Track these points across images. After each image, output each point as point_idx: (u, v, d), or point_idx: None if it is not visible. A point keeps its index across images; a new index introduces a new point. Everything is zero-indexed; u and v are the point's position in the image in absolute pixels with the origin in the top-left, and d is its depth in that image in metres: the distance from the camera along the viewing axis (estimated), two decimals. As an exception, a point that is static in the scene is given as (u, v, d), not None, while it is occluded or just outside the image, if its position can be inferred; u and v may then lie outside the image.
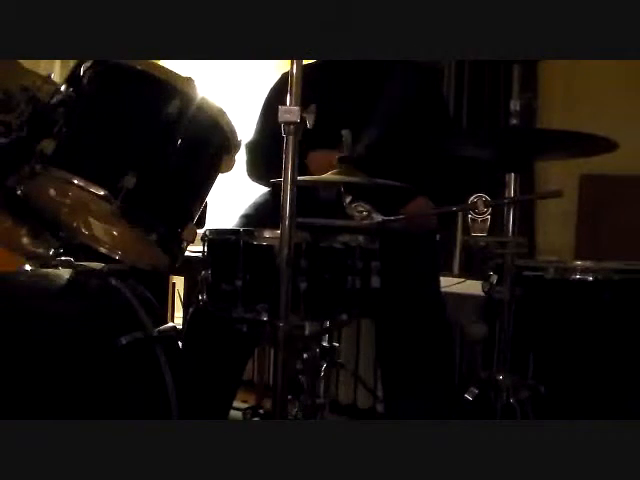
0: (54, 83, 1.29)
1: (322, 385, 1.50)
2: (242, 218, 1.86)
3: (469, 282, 2.11)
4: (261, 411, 1.53)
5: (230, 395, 1.77)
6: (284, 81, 1.88)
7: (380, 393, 1.88)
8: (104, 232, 1.44)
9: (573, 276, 1.54)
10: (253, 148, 1.94)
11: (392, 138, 1.77)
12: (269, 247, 1.28)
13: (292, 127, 1.11)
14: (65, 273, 1.40)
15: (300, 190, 1.13)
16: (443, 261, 2.81)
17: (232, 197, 2.38)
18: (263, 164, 1.90)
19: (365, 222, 1.35)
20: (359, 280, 1.33)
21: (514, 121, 1.41)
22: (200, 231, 1.37)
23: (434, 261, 1.84)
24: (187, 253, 1.35)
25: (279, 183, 1.13)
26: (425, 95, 1.93)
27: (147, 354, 1.35)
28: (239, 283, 1.29)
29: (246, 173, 1.99)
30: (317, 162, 1.69)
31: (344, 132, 1.46)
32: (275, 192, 1.83)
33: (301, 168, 1.16)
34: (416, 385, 1.63)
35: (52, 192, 1.33)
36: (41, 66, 2.39)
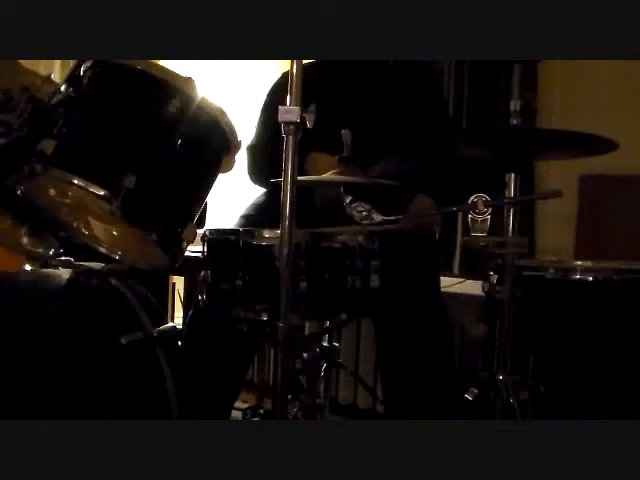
0: (54, 83, 1.29)
1: (322, 385, 1.50)
2: (242, 219, 1.86)
3: (469, 282, 2.11)
4: (261, 411, 1.53)
5: (231, 396, 1.77)
6: (283, 82, 1.89)
7: (380, 393, 1.87)
8: (104, 232, 1.44)
9: (573, 276, 1.53)
10: (254, 151, 1.95)
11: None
12: (269, 247, 1.28)
13: (292, 127, 1.11)
14: (65, 273, 1.40)
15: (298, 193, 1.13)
16: (443, 261, 2.81)
17: (232, 197, 2.38)
18: (265, 167, 1.90)
19: (365, 222, 1.35)
20: (359, 280, 1.33)
21: (514, 121, 1.41)
22: (200, 231, 1.37)
23: (434, 261, 1.84)
24: (187, 253, 1.35)
25: (278, 184, 1.13)
26: (424, 95, 1.93)
27: (147, 354, 1.35)
28: (239, 283, 1.29)
29: (248, 176, 2.00)
30: (317, 165, 1.70)
31: (344, 132, 1.46)
32: (273, 193, 1.83)
33: (300, 169, 1.16)
34: (416, 385, 1.63)
35: (52, 192, 1.33)
36: (41, 66, 2.38)
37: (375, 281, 1.37)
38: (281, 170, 1.13)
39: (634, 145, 1.90)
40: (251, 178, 2.00)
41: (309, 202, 1.54)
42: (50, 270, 1.44)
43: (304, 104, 1.12)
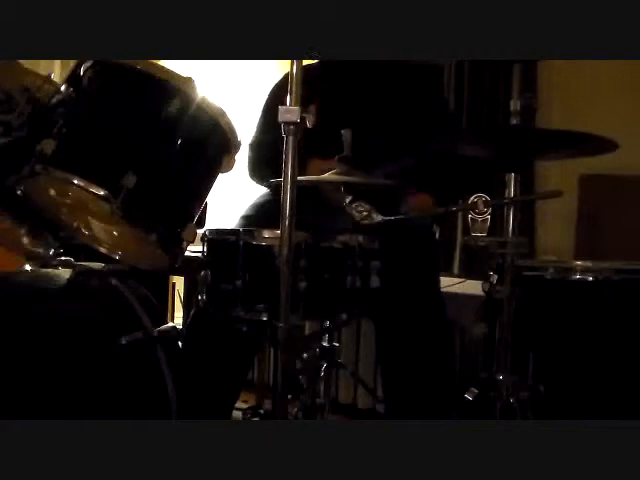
0: (54, 83, 1.29)
1: (322, 385, 1.50)
2: (242, 219, 1.86)
3: (469, 282, 2.11)
4: (261, 411, 1.52)
5: (232, 396, 1.77)
6: (286, 82, 1.89)
7: (380, 393, 1.87)
8: (104, 232, 1.44)
9: (573, 276, 1.54)
10: (255, 149, 1.95)
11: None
12: (269, 247, 1.28)
13: (292, 127, 1.11)
14: (65, 273, 1.40)
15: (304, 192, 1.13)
16: (443, 261, 2.81)
17: (232, 197, 2.38)
18: (265, 165, 1.90)
19: (365, 222, 1.35)
20: (359, 280, 1.32)
21: (514, 121, 1.41)
22: (200, 231, 1.37)
23: (434, 261, 1.84)
24: (187, 253, 1.35)
25: (279, 184, 1.14)
26: (424, 95, 1.94)
27: (147, 354, 1.35)
28: (239, 283, 1.29)
29: (248, 174, 2.00)
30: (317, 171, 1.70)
31: (344, 132, 1.46)
32: (273, 193, 1.83)
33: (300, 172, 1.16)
34: (416, 385, 1.63)
35: (52, 192, 1.33)
36: (41, 66, 2.39)
37: (375, 281, 1.37)
38: (281, 170, 1.13)
39: (634, 145, 1.90)
40: (251, 176, 2.00)
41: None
42: (50, 270, 1.44)
43: (305, 104, 1.12)
